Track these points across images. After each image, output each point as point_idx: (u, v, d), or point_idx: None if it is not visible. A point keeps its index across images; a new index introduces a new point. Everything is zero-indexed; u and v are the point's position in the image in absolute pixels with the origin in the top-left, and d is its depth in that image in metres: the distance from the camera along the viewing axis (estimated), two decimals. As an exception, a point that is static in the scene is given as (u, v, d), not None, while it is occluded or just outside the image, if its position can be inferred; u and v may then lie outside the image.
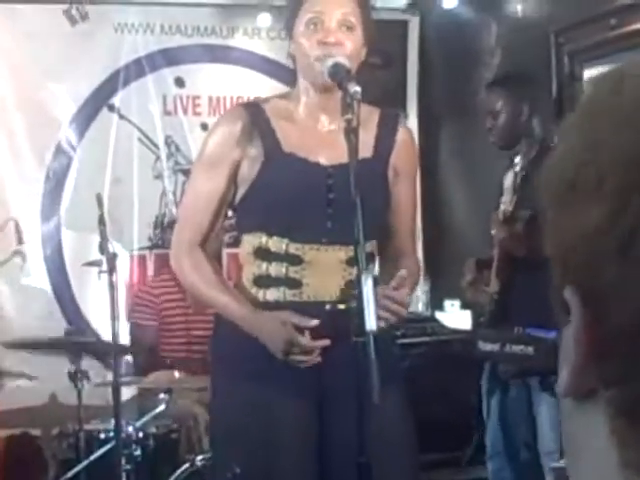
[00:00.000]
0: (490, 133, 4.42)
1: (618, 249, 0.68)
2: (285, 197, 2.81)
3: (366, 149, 2.81)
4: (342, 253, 2.83)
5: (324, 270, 2.84)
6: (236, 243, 3.17)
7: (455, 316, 5.69)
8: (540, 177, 0.76)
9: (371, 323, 2.33)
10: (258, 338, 2.77)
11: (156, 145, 6.01)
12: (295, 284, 2.85)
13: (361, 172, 2.53)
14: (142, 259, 5.93)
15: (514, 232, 4.08)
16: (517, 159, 4.17)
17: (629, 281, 0.68)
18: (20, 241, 5.64)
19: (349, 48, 2.81)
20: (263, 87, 6.05)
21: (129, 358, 5.20)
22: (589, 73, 4.96)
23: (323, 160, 2.86)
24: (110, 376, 5.05)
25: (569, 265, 0.73)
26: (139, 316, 5.23)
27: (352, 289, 2.79)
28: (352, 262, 2.78)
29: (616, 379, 0.71)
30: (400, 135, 2.99)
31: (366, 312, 2.34)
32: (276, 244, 2.84)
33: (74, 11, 5.85)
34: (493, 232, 4.21)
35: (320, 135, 2.91)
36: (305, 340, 2.73)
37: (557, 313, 0.76)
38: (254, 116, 2.90)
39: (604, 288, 0.70)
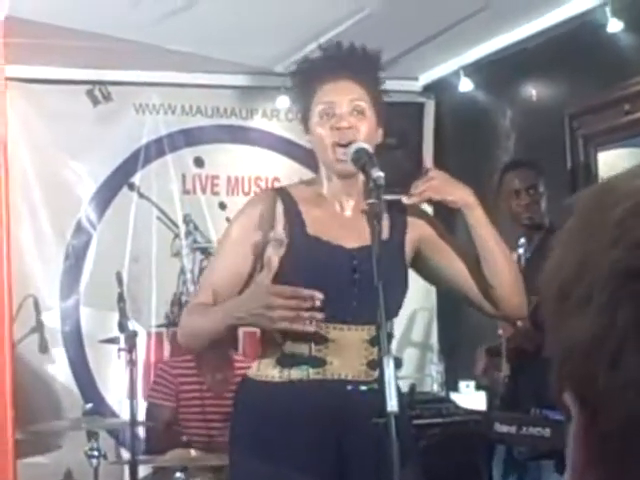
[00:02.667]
0: (523, 210, 4.45)
1: (608, 362, 0.72)
2: (312, 278, 2.84)
3: (383, 231, 2.86)
4: (364, 333, 2.87)
5: (347, 349, 2.87)
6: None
7: (470, 397, 5.68)
8: (539, 283, 0.81)
9: (392, 404, 2.36)
10: (242, 317, 2.78)
11: (175, 224, 6.08)
12: (319, 363, 2.87)
13: (382, 253, 2.58)
14: (159, 337, 5.96)
15: (520, 329, 4.10)
16: (520, 241, 4.20)
17: (619, 391, 0.72)
18: (39, 318, 5.69)
19: (363, 132, 2.91)
20: (281, 167, 6.13)
21: (142, 436, 5.20)
22: (603, 157, 5.03)
23: (346, 243, 2.92)
24: (126, 454, 5.06)
25: (566, 372, 0.77)
26: (157, 395, 5.23)
27: (373, 368, 2.82)
28: (373, 342, 2.83)
29: None
30: (409, 215, 3.07)
31: (387, 393, 2.37)
32: None
33: (97, 92, 5.96)
34: (500, 332, 4.23)
35: (343, 219, 2.98)
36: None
37: (561, 412, 0.80)
38: (281, 199, 2.97)
39: (597, 395, 0.74)
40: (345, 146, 2.87)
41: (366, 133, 2.92)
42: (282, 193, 3.02)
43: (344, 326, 2.87)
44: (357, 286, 2.86)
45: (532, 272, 4.08)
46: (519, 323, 4.12)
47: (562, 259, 0.78)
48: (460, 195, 2.96)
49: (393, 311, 2.78)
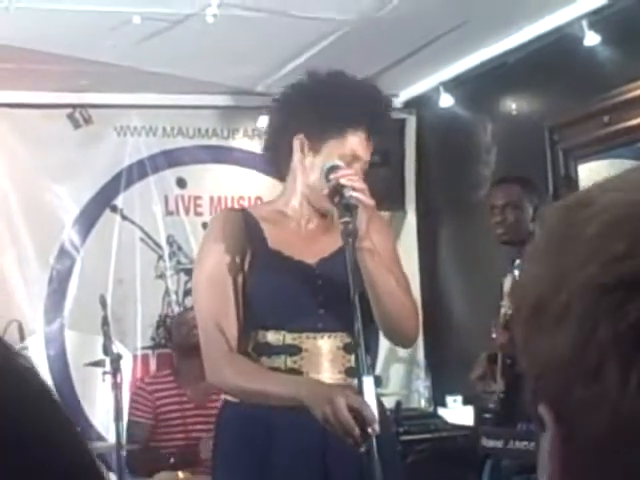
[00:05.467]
0: (497, 226, 4.49)
1: (586, 377, 0.72)
2: (275, 291, 2.87)
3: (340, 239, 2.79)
4: (337, 340, 2.87)
5: (322, 358, 2.87)
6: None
7: (457, 412, 5.68)
8: (512, 298, 0.81)
9: (374, 426, 2.36)
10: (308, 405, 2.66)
11: (158, 245, 6.07)
12: (295, 374, 2.86)
13: (342, 263, 2.59)
14: (145, 359, 5.95)
15: (514, 337, 4.09)
16: (516, 263, 4.22)
17: (597, 405, 0.72)
18: (23, 342, 5.67)
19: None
20: (264, 186, 6.12)
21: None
22: (584, 169, 5.05)
23: (307, 258, 2.94)
24: (113, 478, 5.03)
25: (541, 385, 0.77)
26: (135, 413, 5.22)
27: (351, 376, 2.80)
28: (349, 349, 2.83)
29: None
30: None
31: (368, 414, 2.37)
32: (274, 337, 2.88)
33: (77, 115, 5.97)
34: (494, 336, 4.24)
35: (302, 236, 3.00)
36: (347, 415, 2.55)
37: (534, 423, 0.80)
38: (243, 217, 2.99)
39: (574, 410, 0.74)
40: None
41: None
42: (244, 212, 3.06)
43: (317, 334, 2.87)
44: (322, 294, 2.87)
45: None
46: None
47: (536, 274, 0.78)
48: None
49: (365, 320, 2.74)
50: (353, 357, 2.74)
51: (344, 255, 2.65)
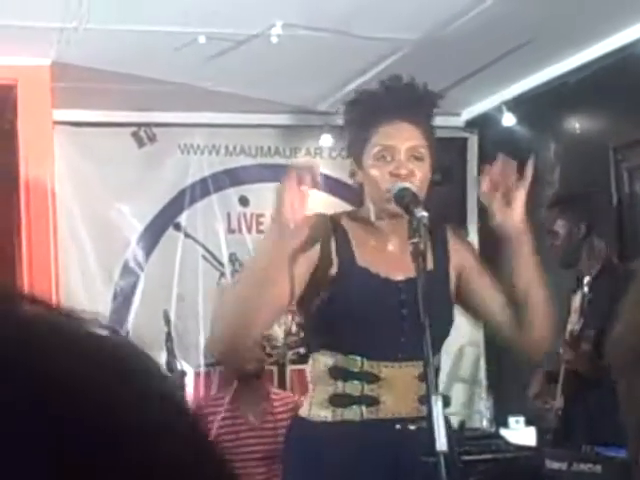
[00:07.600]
0: (551, 251, 4.50)
1: None
2: (360, 314, 2.84)
3: (428, 262, 2.82)
4: (414, 369, 2.84)
5: (399, 387, 2.86)
6: (301, 360, 3.16)
7: (520, 433, 5.63)
8: (607, 349, 0.82)
9: (441, 443, 2.36)
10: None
11: (221, 262, 6.11)
12: (372, 402, 2.85)
13: (428, 285, 2.57)
14: (208, 376, 5.98)
15: (581, 352, 4.09)
16: (586, 280, 4.21)
17: None
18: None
19: (419, 178, 2.86)
20: (325, 205, 6.13)
21: None
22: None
23: (394, 275, 2.90)
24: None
25: None
26: None
27: (424, 404, 2.78)
28: (423, 377, 2.80)
29: None
30: (451, 244, 3.03)
31: (436, 432, 2.36)
32: (352, 362, 2.86)
33: (142, 133, 6.04)
34: (560, 351, 4.22)
35: (390, 252, 2.95)
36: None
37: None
38: (333, 226, 2.94)
39: None
40: None
41: (422, 178, 2.87)
42: (333, 221, 2.96)
43: (395, 364, 2.86)
44: (406, 321, 2.84)
45: (592, 308, 4.10)
46: (584, 346, 4.14)
47: (635, 323, 0.80)
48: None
49: (439, 344, 2.76)
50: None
51: (432, 277, 2.62)
